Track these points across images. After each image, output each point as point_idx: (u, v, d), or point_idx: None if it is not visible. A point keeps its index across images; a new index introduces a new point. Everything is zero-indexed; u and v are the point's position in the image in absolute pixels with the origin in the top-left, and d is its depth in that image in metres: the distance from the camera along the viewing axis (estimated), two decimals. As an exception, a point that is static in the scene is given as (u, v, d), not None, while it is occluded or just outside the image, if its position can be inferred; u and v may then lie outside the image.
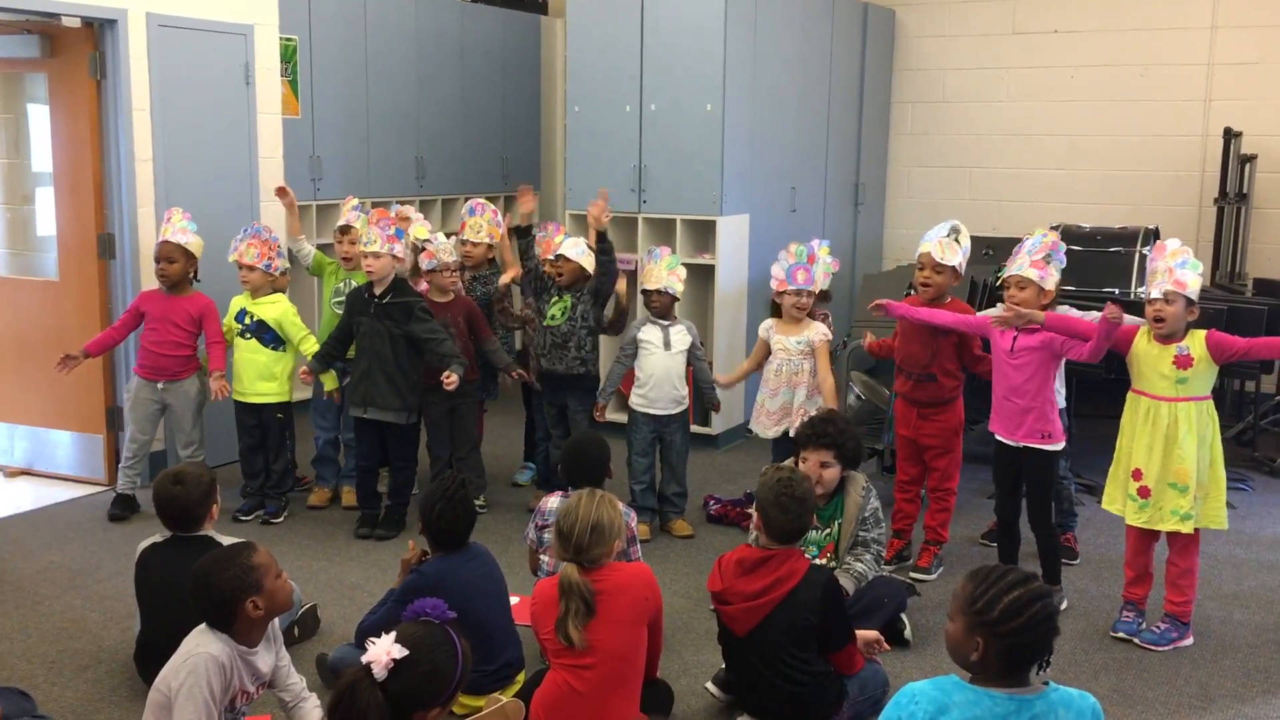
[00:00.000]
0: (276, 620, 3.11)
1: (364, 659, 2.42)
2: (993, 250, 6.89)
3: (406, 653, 2.41)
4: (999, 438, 4.46)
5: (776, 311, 5.17)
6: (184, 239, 5.30)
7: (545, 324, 5.39)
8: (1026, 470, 4.42)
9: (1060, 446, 4.39)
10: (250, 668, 2.98)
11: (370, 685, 2.38)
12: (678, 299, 5.35)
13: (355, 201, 5.74)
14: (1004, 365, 4.39)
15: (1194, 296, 3.98)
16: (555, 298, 5.42)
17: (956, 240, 4.70)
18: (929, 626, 4.30)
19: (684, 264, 5.44)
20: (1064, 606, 4.42)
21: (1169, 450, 4.02)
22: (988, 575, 2.45)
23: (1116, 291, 6.08)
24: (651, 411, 5.26)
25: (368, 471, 5.30)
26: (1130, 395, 4.17)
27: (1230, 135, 6.87)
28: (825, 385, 5.01)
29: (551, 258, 5.49)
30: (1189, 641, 4.18)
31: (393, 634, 2.44)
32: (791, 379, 5.04)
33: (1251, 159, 7.06)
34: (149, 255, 5.49)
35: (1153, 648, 4.13)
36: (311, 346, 5.30)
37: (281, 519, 5.39)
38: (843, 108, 7.89)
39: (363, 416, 5.15)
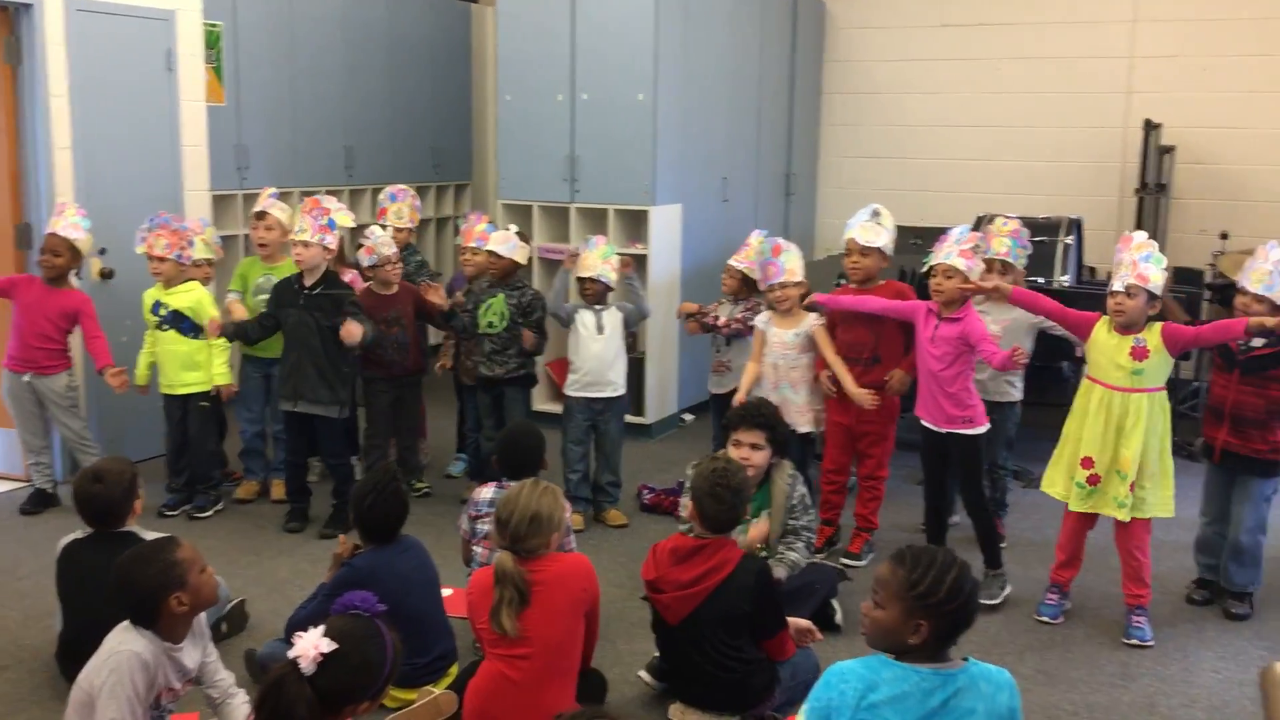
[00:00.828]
0: (203, 616, 3.07)
1: (291, 653, 2.39)
2: (921, 239, 6.96)
3: (335, 646, 2.38)
4: (924, 423, 4.52)
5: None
6: (75, 235, 5.18)
7: (481, 332, 5.32)
8: (955, 456, 4.48)
9: (983, 430, 4.44)
10: (175, 664, 2.92)
11: (298, 679, 2.35)
12: (611, 288, 5.34)
13: (273, 190, 5.66)
14: (925, 352, 4.45)
15: (1157, 290, 4.04)
16: (488, 301, 5.33)
17: (879, 222, 4.75)
18: (860, 611, 4.35)
19: (617, 254, 5.43)
20: (1008, 592, 4.47)
21: (1119, 439, 4.09)
22: (919, 558, 2.50)
23: (1041, 280, 6.20)
24: (587, 395, 5.25)
25: (297, 466, 5.24)
26: (1084, 383, 4.23)
27: (1150, 127, 7.03)
28: (836, 366, 4.76)
29: (473, 246, 5.47)
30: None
31: (321, 628, 2.41)
32: (789, 374, 4.86)
33: (1170, 150, 7.23)
34: (68, 245, 5.35)
35: (1144, 644, 4.15)
36: (220, 338, 5.19)
37: (211, 513, 5.31)
38: (774, 98, 7.94)
39: (293, 410, 5.07)
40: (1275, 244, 4.25)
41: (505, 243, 5.34)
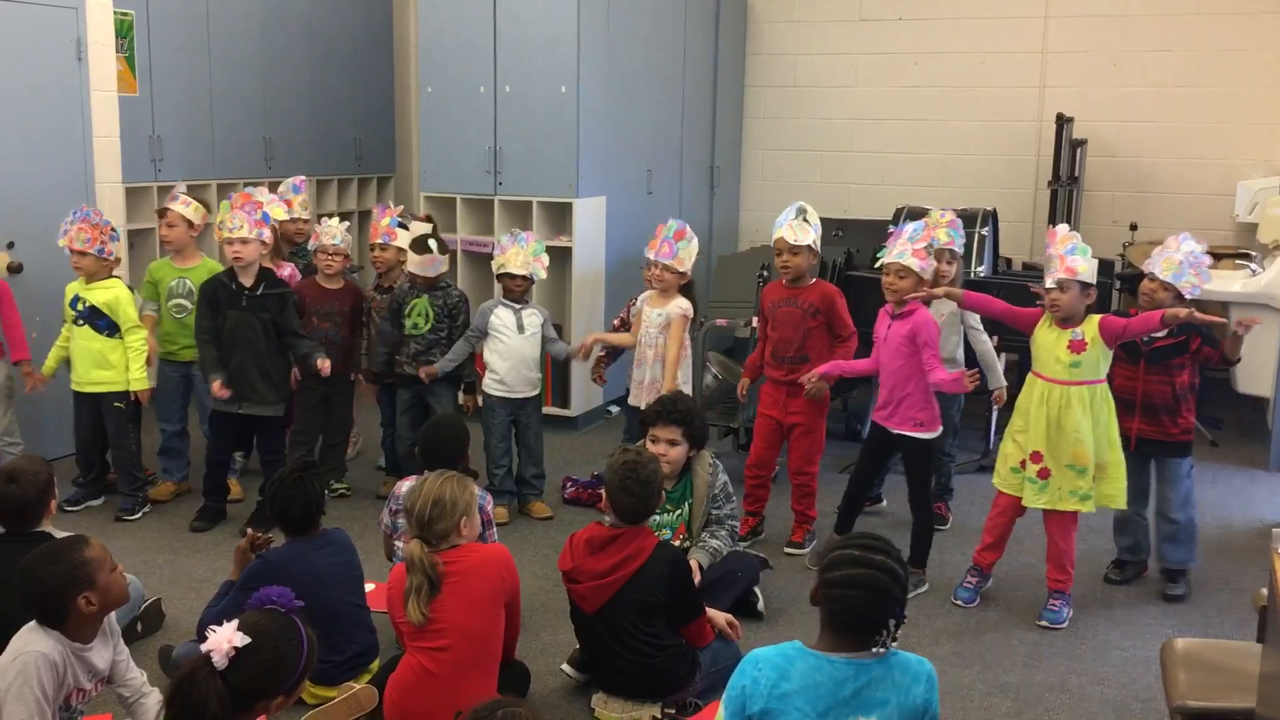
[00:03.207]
0: (113, 615, 3.01)
1: (204, 647, 2.36)
2: (842, 231, 7.07)
3: (248, 640, 2.36)
4: (874, 419, 4.59)
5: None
6: None
7: (407, 334, 5.26)
8: (904, 458, 4.54)
9: (935, 435, 4.49)
10: (85, 664, 2.87)
11: (209, 674, 2.32)
12: (533, 284, 5.32)
13: (183, 186, 5.55)
14: (879, 350, 4.51)
15: (1089, 280, 4.12)
16: (411, 302, 5.27)
17: (805, 220, 4.81)
18: (782, 599, 4.42)
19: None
20: (923, 589, 4.53)
21: (1062, 432, 4.16)
22: (848, 539, 2.55)
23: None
24: (507, 395, 5.24)
25: (221, 465, 5.15)
26: (1029, 377, 4.31)
27: (1062, 120, 7.19)
28: (668, 355, 5.01)
29: (380, 242, 5.42)
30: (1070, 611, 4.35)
31: (234, 622, 2.39)
32: (648, 352, 5.07)
33: (1082, 143, 7.40)
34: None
35: (1056, 626, 4.25)
36: (138, 339, 5.07)
37: (139, 515, 5.20)
38: (697, 91, 7.98)
39: (237, 412, 4.96)
40: (1188, 236, 4.40)
41: (426, 266, 5.18)
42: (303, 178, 5.94)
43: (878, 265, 4.56)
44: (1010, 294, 5.82)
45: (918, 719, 2.45)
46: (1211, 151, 7.60)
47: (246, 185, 5.86)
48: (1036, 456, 4.22)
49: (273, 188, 7.56)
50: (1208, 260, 4.38)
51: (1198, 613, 4.44)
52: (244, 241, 4.86)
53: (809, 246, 4.78)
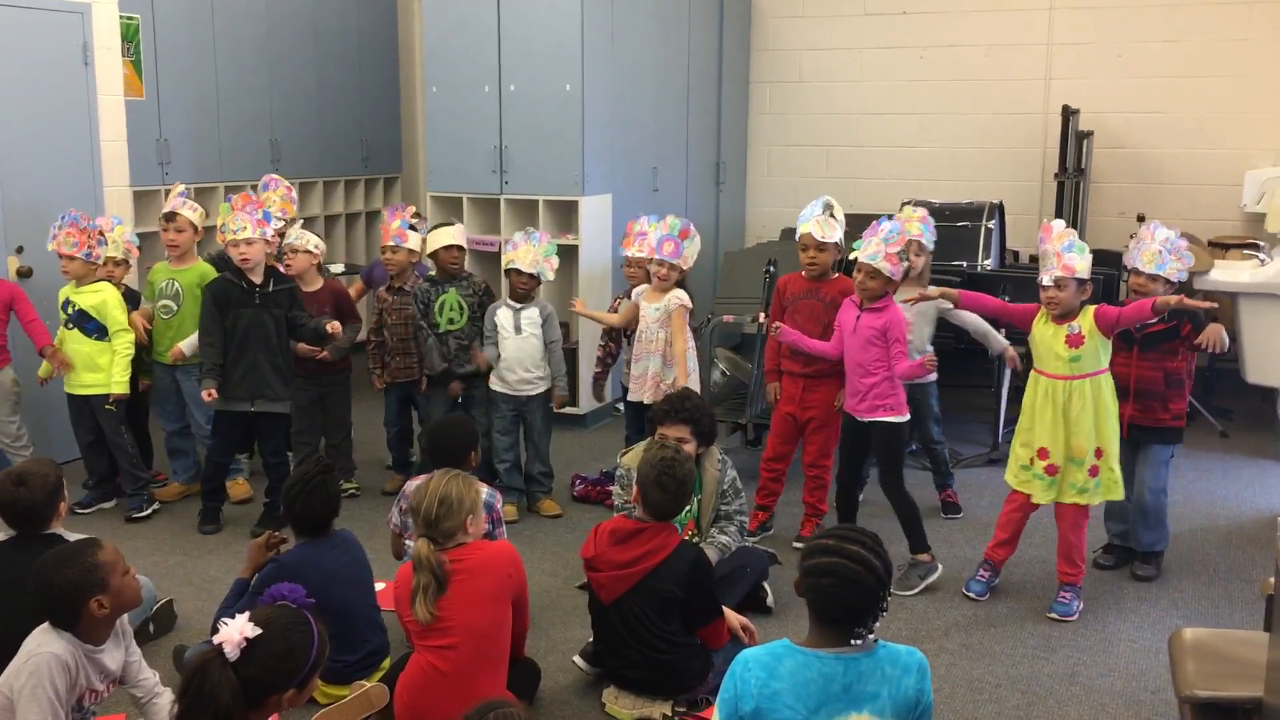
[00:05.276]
0: (125, 616, 3.03)
1: (215, 639, 2.38)
2: (848, 226, 7.06)
3: (259, 631, 2.37)
4: (845, 410, 4.60)
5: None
6: None
7: (443, 330, 5.25)
8: (874, 442, 4.56)
9: (903, 419, 4.52)
10: (97, 665, 2.89)
11: (221, 666, 2.33)
12: (539, 284, 5.32)
13: (182, 188, 5.56)
14: (849, 341, 4.52)
15: (1085, 276, 4.13)
16: (440, 298, 5.26)
17: (832, 215, 4.85)
18: (791, 594, 4.39)
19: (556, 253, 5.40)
20: (938, 574, 4.53)
21: (1069, 427, 4.16)
22: (829, 530, 2.58)
23: (964, 264, 6.32)
24: (509, 392, 5.25)
25: (221, 466, 5.16)
26: (1032, 375, 4.31)
27: (1068, 112, 7.17)
28: (676, 348, 5.03)
29: (391, 244, 5.43)
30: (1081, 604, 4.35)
31: (245, 614, 2.41)
32: (646, 345, 5.09)
33: (1088, 135, 7.38)
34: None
35: (1067, 618, 4.25)
36: (124, 343, 5.07)
37: (148, 513, 5.23)
38: (702, 88, 7.98)
39: (248, 410, 4.97)
40: (1158, 223, 4.44)
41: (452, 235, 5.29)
42: (275, 176, 5.77)
43: (852, 257, 4.59)
44: (1017, 287, 5.85)
45: (910, 710, 2.46)
46: (1219, 141, 7.57)
47: (251, 187, 5.86)
48: (1043, 453, 4.23)
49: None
50: (1184, 243, 4.42)
51: (1207, 603, 4.43)
52: (249, 243, 4.87)
53: (835, 244, 4.81)
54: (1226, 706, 2.74)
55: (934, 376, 5.06)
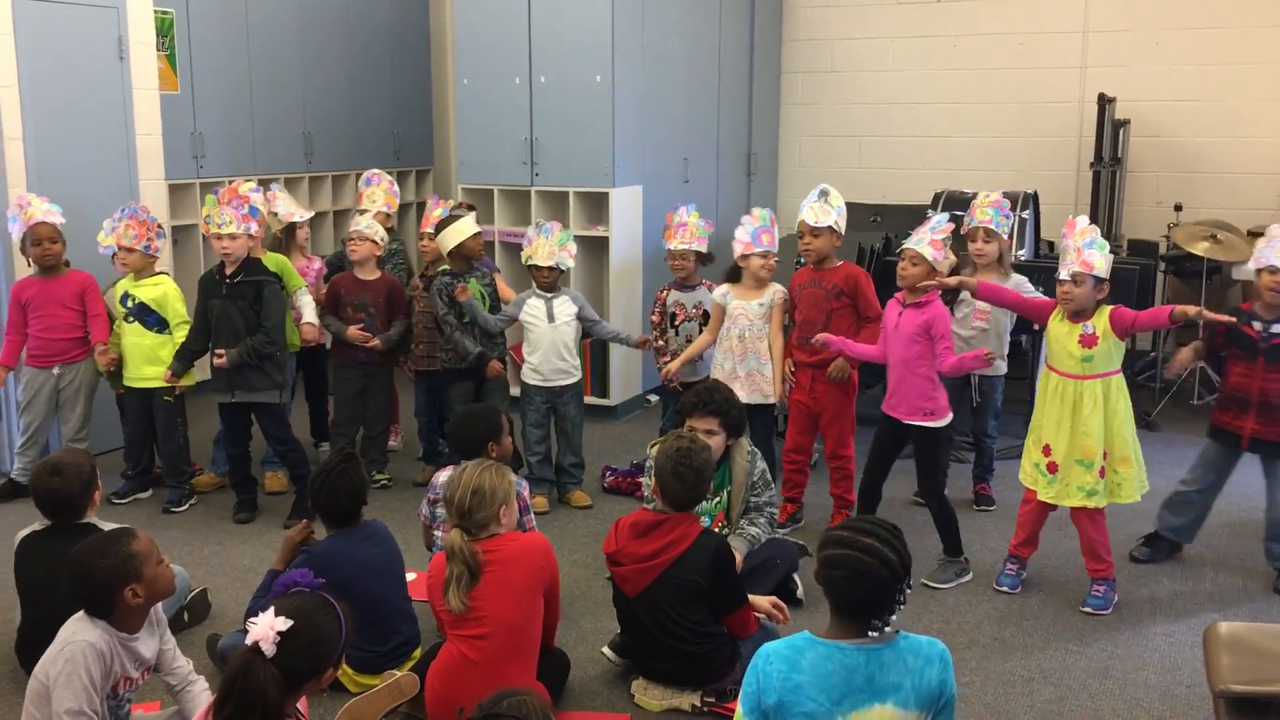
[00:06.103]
0: (159, 605, 3.06)
1: (249, 639, 2.41)
2: (881, 217, 7.03)
3: (290, 623, 2.40)
4: (883, 411, 4.56)
5: (732, 277, 5.08)
6: (58, 220, 5.18)
7: (468, 320, 5.23)
8: (914, 446, 4.51)
9: (945, 423, 4.44)
10: (132, 654, 2.93)
11: (263, 662, 2.36)
12: (563, 273, 5.32)
13: (277, 187, 5.67)
14: (891, 338, 4.48)
15: (1103, 275, 4.07)
16: (462, 286, 5.25)
17: (827, 201, 4.79)
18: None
19: (578, 236, 5.42)
20: (967, 578, 4.50)
21: (1076, 426, 4.11)
22: (846, 521, 2.56)
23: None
24: (543, 384, 5.26)
25: (239, 458, 5.17)
26: (1043, 371, 4.27)
27: (1104, 101, 7.08)
28: (775, 345, 4.94)
29: (429, 231, 5.45)
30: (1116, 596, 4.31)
31: (270, 610, 2.43)
32: (755, 345, 4.94)
33: (1124, 124, 7.29)
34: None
35: (1100, 612, 4.21)
36: (184, 334, 5.14)
37: (186, 506, 5.29)
38: (733, 78, 7.95)
39: (230, 401, 5.02)
40: None
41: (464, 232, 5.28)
42: (377, 171, 5.92)
43: (899, 252, 4.55)
44: (1051, 278, 5.78)
45: (934, 701, 2.45)
46: (1257, 130, 7.45)
47: (285, 180, 5.91)
48: (1047, 450, 4.20)
49: (313, 184, 7.65)
50: None
51: (1244, 597, 4.38)
52: (232, 237, 4.89)
53: (830, 228, 4.76)
54: (1262, 702, 2.71)
55: (1004, 369, 5.03)
